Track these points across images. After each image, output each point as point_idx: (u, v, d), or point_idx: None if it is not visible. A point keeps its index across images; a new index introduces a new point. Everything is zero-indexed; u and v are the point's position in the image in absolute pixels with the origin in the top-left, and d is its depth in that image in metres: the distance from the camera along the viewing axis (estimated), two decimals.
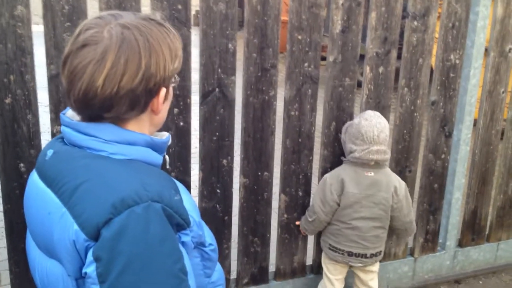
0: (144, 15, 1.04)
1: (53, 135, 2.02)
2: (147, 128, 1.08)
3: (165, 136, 1.12)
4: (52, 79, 1.96)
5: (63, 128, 1.05)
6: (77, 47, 0.97)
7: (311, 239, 2.64)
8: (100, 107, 0.99)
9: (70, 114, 1.07)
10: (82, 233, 0.91)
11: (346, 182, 2.28)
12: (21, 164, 2.00)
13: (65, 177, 0.98)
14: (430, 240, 2.88)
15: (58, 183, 0.98)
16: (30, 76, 1.92)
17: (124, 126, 1.04)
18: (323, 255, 2.50)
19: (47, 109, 2.05)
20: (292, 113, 2.38)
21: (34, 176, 1.09)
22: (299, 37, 2.28)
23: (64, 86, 1.01)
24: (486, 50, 2.69)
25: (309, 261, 2.67)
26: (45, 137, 2.30)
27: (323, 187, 2.33)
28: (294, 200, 2.50)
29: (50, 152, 1.05)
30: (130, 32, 0.98)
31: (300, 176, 2.48)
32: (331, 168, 2.49)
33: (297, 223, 2.52)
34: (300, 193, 2.51)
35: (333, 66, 2.39)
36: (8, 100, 1.92)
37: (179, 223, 0.98)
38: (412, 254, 2.88)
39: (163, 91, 1.04)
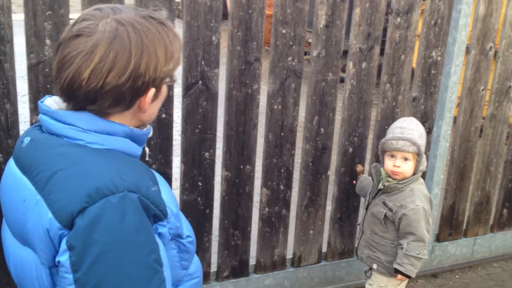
0: (146, 12, 1.02)
1: (32, 125, 1.99)
2: (128, 122, 1.06)
3: (146, 127, 1.11)
4: (32, 68, 1.92)
5: (40, 116, 1.04)
6: (70, 36, 0.97)
7: (291, 232, 2.65)
8: (83, 99, 0.99)
9: (48, 102, 1.06)
10: (56, 222, 0.91)
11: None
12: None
13: (40, 164, 0.97)
14: None
15: (33, 170, 0.98)
16: (9, 65, 1.89)
17: (105, 117, 1.03)
18: (390, 283, 2.30)
19: (24, 98, 2.02)
20: (275, 107, 2.38)
21: (11, 163, 1.08)
22: (283, 31, 2.27)
23: (54, 73, 1.01)
24: (467, 48, 2.72)
25: (289, 254, 2.68)
26: (22, 128, 2.26)
27: (425, 216, 2.17)
28: (276, 194, 2.51)
29: (27, 140, 1.04)
30: (124, 28, 0.97)
31: (282, 170, 2.49)
32: (313, 163, 2.50)
33: (399, 277, 2.20)
34: (282, 187, 2.51)
35: (316, 61, 2.39)
36: None
37: (156, 214, 0.97)
38: None
39: (151, 91, 1.03)
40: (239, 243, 2.51)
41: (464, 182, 2.99)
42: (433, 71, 2.66)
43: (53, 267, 0.95)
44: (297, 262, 2.68)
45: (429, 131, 2.76)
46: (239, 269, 2.55)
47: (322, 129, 2.49)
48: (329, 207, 2.67)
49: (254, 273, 2.61)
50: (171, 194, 1.08)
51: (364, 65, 2.48)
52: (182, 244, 1.10)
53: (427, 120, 2.74)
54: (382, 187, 2.25)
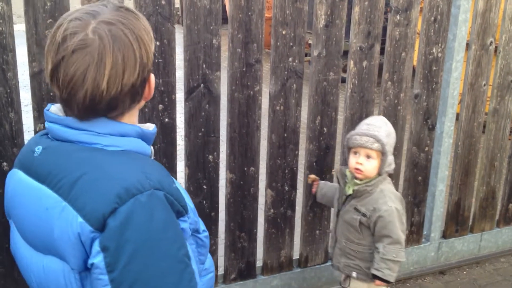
0: (113, 4, 1.02)
1: (36, 133, 2.00)
2: (135, 116, 1.09)
3: (152, 127, 1.13)
4: (35, 77, 1.93)
5: (48, 124, 1.04)
6: (66, 55, 0.95)
7: (297, 233, 2.65)
8: (106, 109, 1.00)
9: (54, 110, 1.05)
10: (88, 225, 0.91)
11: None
12: (4, 163, 1.97)
13: (61, 171, 0.97)
14: (415, 232, 2.91)
15: (53, 178, 0.97)
16: (12, 74, 1.90)
17: (120, 119, 1.04)
18: None
19: (26, 108, 2.03)
20: (277, 108, 2.38)
21: (18, 175, 1.07)
22: (284, 32, 2.28)
23: (58, 95, 0.99)
24: (467, 44, 2.72)
25: (295, 255, 2.68)
26: (26, 137, 2.27)
27: (399, 217, 2.12)
28: (281, 195, 2.51)
29: (38, 149, 1.04)
30: (116, 27, 0.97)
31: (286, 171, 2.49)
32: (317, 163, 2.51)
33: (378, 283, 2.13)
34: (286, 188, 2.51)
35: (317, 61, 2.39)
36: None
37: (179, 210, 0.99)
38: None
39: (152, 76, 1.06)
40: (245, 245, 2.51)
41: (469, 177, 2.98)
42: (434, 68, 2.66)
43: (84, 271, 0.95)
44: (304, 262, 2.68)
45: (432, 128, 2.76)
46: (246, 271, 2.55)
47: (325, 129, 2.50)
48: None
49: (261, 275, 2.61)
50: (184, 191, 1.10)
51: (365, 63, 2.48)
52: (199, 239, 1.12)
53: (429, 116, 2.74)
54: (351, 193, 2.18)
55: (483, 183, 3.06)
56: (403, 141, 2.72)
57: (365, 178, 2.14)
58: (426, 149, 2.79)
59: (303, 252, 2.67)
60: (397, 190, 2.77)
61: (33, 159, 1.04)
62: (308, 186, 2.55)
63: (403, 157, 2.76)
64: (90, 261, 0.92)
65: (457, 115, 2.83)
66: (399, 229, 2.11)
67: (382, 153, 2.11)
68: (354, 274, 2.23)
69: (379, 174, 2.15)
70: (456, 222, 3.04)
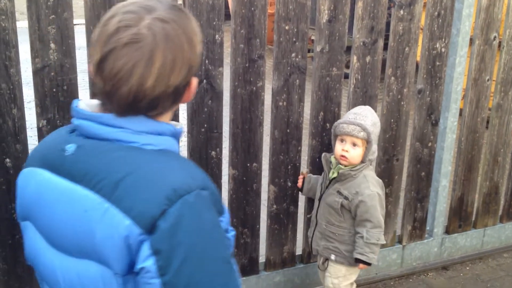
0: (167, 2, 0.99)
1: (39, 129, 2.00)
2: (168, 118, 1.06)
3: (180, 126, 1.10)
4: (37, 73, 1.93)
5: (80, 121, 0.99)
6: (117, 47, 0.92)
7: (300, 229, 2.65)
8: (146, 107, 0.97)
9: (83, 106, 1.01)
10: (137, 227, 0.88)
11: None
12: (7, 160, 1.97)
13: (100, 171, 0.93)
14: (418, 227, 2.91)
15: (92, 178, 0.93)
16: (15, 70, 1.90)
17: (157, 118, 1.02)
18: (348, 273, 2.31)
19: (29, 105, 2.02)
20: (280, 103, 2.38)
21: (44, 175, 1.01)
22: (286, 27, 2.27)
23: (100, 87, 0.96)
24: (471, 38, 2.71)
25: (298, 251, 2.68)
26: (29, 133, 2.27)
27: (380, 202, 2.21)
28: (283, 191, 2.51)
29: (71, 147, 0.98)
30: (170, 26, 0.95)
31: (289, 167, 2.49)
32: (320, 159, 2.50)
33: (361, 266, 2.22)
34: (289, 184, 2.51)
35: (320, 56, 2.39)
36: None
37: (219, 210, 0.98)
38: (400, 241, 2.91)
39: (194, 79, 1.03)
40: (248, 241, 2.51)
41: (472, 173, 2.98)
42: (437, 63, 2.65)
43: (127, 275, 0.92)
44: (306, 258, 2.68)
45: (435, 123, 2.76)
46: (249, 267, 2.55)
47: (328, 125, 2.49)
48: None
49: (264, 271, 2.61)
50: None
51: (368, 59, 2.47)
52: (227, 238, 1.11)
53: (433, 112, 2.73)
54: (335, 176, 2.25)
55: (486, 178, 3.05)
56: (406, 137, 2.72)
57: (350, 165, 2.23)
58: (430, 144, 2.78)
59: (306, 248, 2.67)
60: (400, 186, 2.77)
61: (64, 158, 0.99)
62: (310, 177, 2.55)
63: (406, 153, 2.75)
64: (139, 266, 0.89)
65: (461, 110, 2.82)
66: (380, 213, 2.20)
67: (367, 142, 2.20)
68: (332, 256, 2.29)
69: (362, 161, 2.23)
70: (459, 218, 3.04)
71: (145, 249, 0.88)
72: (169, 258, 0.87)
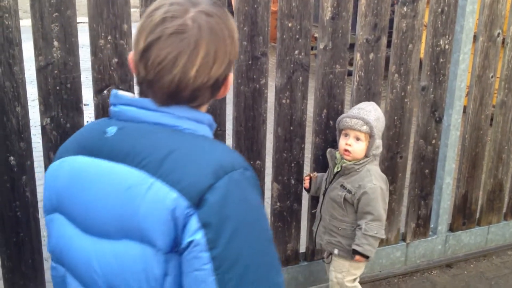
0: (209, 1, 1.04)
1: (42, 127, 2.00)
2: (205, 111, 1.08)
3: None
4: (41, 70, 1.93)
5: (121, 107, 1.02)
6: (162, 36, 0.95)
7: (303, 227, 2.65)
8: (187, 98, 0.99)
9: (122, 93, 1.04)
10: (184, 199, 0.89)
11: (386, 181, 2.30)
12: (11, 158, 1.98)
13: (145, 149, 0.95)
14: (422, 225, 2.90)
15: (136, 156, 0.94)
16: (19, 68, 1.90)
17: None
18: (352, 267, 2.30)
19: (32, 103, 2.03)
20: (284, 101, 2.37)
21: (79, 160, 1.02)
22: (289, 24, 2.27)
23: (142, 76, 0.99)
24: (475, 35, 2.70)
25: (302, 248, 2.68)
26: (32, 131, 2.27)
27: (382, 196, 2.21)
28: (287, 188, 2.51)
29: (112, 129, 1.00)
30: (214, 20, 0.98)
31: (292, 164, 2.48)
32: (323, 156, 2.50)
33: (357, 258, 2.21)
34: (293, 181, 2.51)
35: (323, 53, 2.38)
36: None
37: (259, 192, 0.99)
38: (404, 239, 2.91)
39: (231, 74, 1.06)
40: None
41: (476, 170, 2.97)
42: (441, 60, 2.64)
43: (170, 252, 0.91)
44: (310, 256, 2.68)
45: (439, 120, 2.75)
46: None
47: (331, 122, 2.49)
48: None
49: None
50: None
51: (371, 56, 2.47)
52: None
53: (437, 109, 2.72)
54: (339, 169, 2.27)
55: (490, 175, 3.04)
56: (410, 134, 2.71)
57: (353, 160, 2.24)
58: (433, 141, 2.77)
59: (310, 246, 2.67)
60: (404, 183, 2.77)
61: (104, 140, 1.00)
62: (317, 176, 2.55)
63: (410, 150, 2.75)
64: (187, 239, 0.88)
65: (464, 107, 2.81)
66: (382, 207, 2.20)
67: (370, 136, 2.21)
68: (335, 251, 2.30)
69: (366, 156, 2.24)
70: (463, 215, 3.03)
71: (193, 223, 0.88)
72: (218, 231, 0.88)
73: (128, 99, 1.02)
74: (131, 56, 1.03)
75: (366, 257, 2.21)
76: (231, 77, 1.06)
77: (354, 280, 2.36)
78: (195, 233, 0.88)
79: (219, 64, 0.99)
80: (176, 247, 0.91)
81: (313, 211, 2.58)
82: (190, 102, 1.01)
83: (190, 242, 0.88)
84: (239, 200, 0.91)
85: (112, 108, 1.04)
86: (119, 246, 0.94)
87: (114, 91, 1.04)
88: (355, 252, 2.20)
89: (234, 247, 0.88)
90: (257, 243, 0.91)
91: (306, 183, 2.48)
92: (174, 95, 0.98)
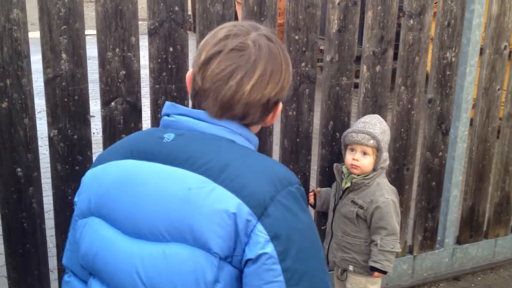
0: (268, 30, 1.10)
1: (50, 139, 2.01)
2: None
3: None
4: (49, 82, 1.94)
5: (177, 117, 1.05)
6: (224, 50, 1.01)
7: None
8: (238, 113, 1.03)
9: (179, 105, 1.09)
10: (247, 207, 0.91)
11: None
12: (18, 169, 1.98)
13: (205, 155, 0.97)
14: (429, 237, 2.88)
15: (196, 161, 0.97)
16: (27, 80, 1.91)
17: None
18: (369, 283, 2.27)
19: (39, 115, 2.03)
20: (290, 113, 2.37)
21: (131, 163, 1.02)
22: (296, 37, 2.28)
23: (199, 85, 1.03)
24: (481, 48, 2.70)
25: None
26: (39, 143, 2.28)
27: (395, 209, 2.19)
28: None
29: (170, 136, 1.03)
30: (274, 45, 1.05)
31: (299, 176, 2.48)
32: (329, 168, 2.49)
33: (376, 274, 2.19)
34: None
35: (330, 66, 2.39)
36: (4, 104, 1.90)
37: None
38: (411, 252, 2.89)
39: (280, 105, 1.10)
40: None
41: (483, 183, 2.95)
42: (448, 72, 2.64)
43: (225, 259, 0.91)
44: None
45: (446, 133, 2.74)
46: None
47: (337, 134, 2.49)
48: None
49: None
50: None
51: (378, 68, 2.47)
52: None
53: (443, 121, 2.71)
54: (348, 185, 2.24)
55: (497, 188, 3.02)
56: (417, 146, 2.70)
57: (361, 174, 2.22)
58: (440, 154, 2.76)
59: None
60: (410, 195, 2.75)
61: (162, 145, 1.01)
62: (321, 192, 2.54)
63: (417, 162, 2.74)
64: (258, 251, 0.89)
65: (471, 120, 2.80)
66: (395, 221, 2.18)
67: (377, 150, 2.19)
68: (351, 267, 2.26)
69: (374, 170, 2.22)
70: (470, 228, 3.01)
71: (261, 235, 0.90)
72: (287, 244, 0.91)
73: (185, 109, 1.05)
74: (189, 73, 1.08)
75: (385, 272, 2.18)
76: (280, 106, 1.10)
77: None
78: (266, 246, 0.90)
79: (273, 85, 1.03)
80: (230, 258, 0.92)
81: (322, 227, 2.56)
82: (241, 119, 1.04)
83: (262, 255, 0.90)
84: (299, 214, 0.94)
85: (165, 118, 1.07)
86: (168, 248, 0.93)
87: (169, 102, 1.08)
88: (373, 269, 2.17)
89: (301, 259, 0.91)
90: (318, 254, 0.96)
91: (311, 199, 2.46)
92: (227, 107, 1.02)
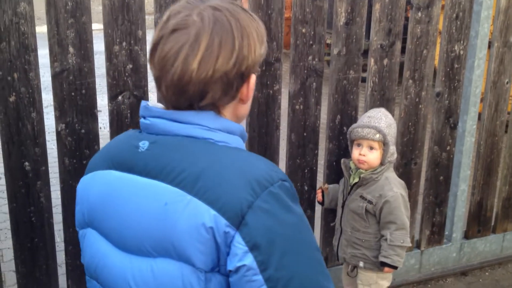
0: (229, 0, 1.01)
1: (57, 133, 2.01)
2: (235, 118, 1.04)
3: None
4: (56, 77, 1.94)
5: (151, 119, 0.99)
6: (167, 32, 0.94)
7: (316, 234, 2.63)
8: (194, 93, 0.95)
9: (153, 105, 1.02)
10: (223, 218, 0.86)
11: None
12: (26, 163, 1.98)
13: (178, 165, 0.92)
14: (436, 232, 2.87)
15: (170, 172, 0.91)
16: (34, 74, 1.91)
17: (219, 115, 1.00)
18: (380, 279, 2.26)
19: (47, 110, 2.03)
20: (297, 107, 2.36)
21: (112, 174, 0.99)
22: (303, 30, 2.26)
23: (153, 75, 0.98)
24: (489, 41, 2.68)
25: None
26: (47, 138, 2.28)
27: (404, 203, 2.17)
28: (300, 195, 2.49)
29: (144, 144, 0.98)
30: (221, 13, 0.95)
31: (306, 170, 2.47)
32: (337, 162, 2.48)
33: (387, 270, 2.17)
34: (306, 188, 2.50)
35: (337, 59, 2.37)
36: (12, 98, 1.90)
37: (298, 201, 0.97)
38: (418, 246, 2.88)
39: (253, 77, 1.00)
40: None
41: (491, 177, 2.93)
42: (456, 66, 2.62)
43: (209, 272, 0.89)
44: (324, 260, 2.66)
45: (454, 127, 2.72)
46: None
47: (345, 128, 2.47)
48: None
49: None
50: None
51: (385, 61, 2.45)
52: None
53: (451, 115, 2.70)
54: (356, 181, 2.22)
55: (505, 182, 3.00)
56: (424, 140, 2.69)
57: (369, 169, 2.21)
58: (448, 148, 2.75)
59: (323, 253, 2.65)
60: (418, 190, 2.74)
61: (137, 155, 0.97)
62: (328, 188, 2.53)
63: (425, 157, 2.72)
64: (237, 263, 0.86)
65: (479, 114, 2.79)
66: (404, 215, 2.16)
67: (384, 144, 2.18)
68: (361, 264, 2.25)
69: (381, 164, 2.21)
70: (478, 223, 2.99)
71: (239, 246, 0.86)
72: (268, 252, 0.85)
73: (158, 111, 0.98)
74: None
75: (395, 267, 2.17)
76: (253, 78, 1.00)
77: None
78: (244, 257, 0.86)
79: (225, 57, 0.93)
80: (217, 268, 0.88)
81: (331, 224, 2.55)
82: (201, 100, 0.96)
83: (241, 267, 0.86)
84: (282, 216, 0.88)
85: (142, 120, 1.01)
86: (157, 264, 0.92)
87: (144, 103, 1.02)
88: (384, 264, 2.16)
89: (285, 266, 0.86)
90: (306, 256, 0.89)
91: (319, 196, 2.45)
92: (179, 90, 0.94)
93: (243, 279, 0.86)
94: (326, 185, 2.45)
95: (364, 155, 2.18)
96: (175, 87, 0.94)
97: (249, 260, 0.85)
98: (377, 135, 2.15)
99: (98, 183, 1.01)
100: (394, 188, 2.17)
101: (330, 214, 2.58)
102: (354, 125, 2.25)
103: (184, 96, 0.95)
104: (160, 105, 1.03)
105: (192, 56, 0.92)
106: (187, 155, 0.93)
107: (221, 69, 0.93)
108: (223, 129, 0.98)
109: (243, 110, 1.04)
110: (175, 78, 0.93)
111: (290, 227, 0.88)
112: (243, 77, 0.98)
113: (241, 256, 0.85)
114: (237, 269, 0.86)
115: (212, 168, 0.90)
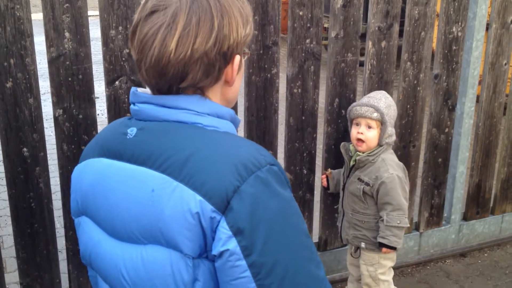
0: None
1: (55, 119, 2.00)
2: (221, 101, 1.02)
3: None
4: (53, 62, 1.93)
5: (140, 105, 0.98)
6: (145, 14, 0.93)
7: (316, 217, 2.64)
8: (174, 75, 0.93)
9: (142, 91, 1.00)
10: (209, 204, 0.85)
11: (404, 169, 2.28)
12: (25, 149, 1.99)
13: (165, 151, 0.91)
14: (435, 214, 2.88)
15: (157, 158, 0.91)
16: (30, 59, 1.90)
17: (204, 96, 0.98)
18: (382, 259, 2.28)
19: (44, 97, 2.02)
20: (295, 90, 2.36)
21: (103, 162, 0.99)
22: (300, 13, 2.25)
23: (134, 58, 0.96)
24: (487, 22, 2.67)
25: (315, 238, 2.67)
26: (44, 124, 2.27)
27: (400, 184, 2.18)
28: (299, 178, 2.50)
29: (132, 131, 0.97)
30: None
31: (304, 154, 2.47)
32: (335, 145, 2.48)
33: (384, 250, 2.20)
34: (305, 171, 2.50)
35: (335, 42, 2.36)
36: (9, 84, 1.90)
37: (288, 185, 0.95)
38: (417, 229, 2.89)
39: (237, 58, 0.98)
40: None
41: (490, 159, 2.94)
42: (454, 47, 2.61)
43: (197, 258, 0.88)
44: (323, 246, 2.68)
45: (452, 109, 2.72)
46: None
47: (343, 111, 2.47)
48: None
49: None
50: None
51: (383, 44, 2.44)
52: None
53: (450, 97, 2.69)
54: (354, 163, 2.24)
55: (504, 164, 3.01)
56: (423, 123, 2.69)
57: (367, 150, 2.22)
58: (446, 130, 2.75)
59: (322, 236, 2.66)
60: (417, 172, 2.75)
61: (125, 142, 0.97)
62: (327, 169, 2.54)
63: (423, 139, 2.72)
64: (220, 248, 0.85)
65: (477, 96, 2.78)
66: (401, 196, 2.17)
67: (382, 123, 2.18)
68: (363, 244, 2.28)
69: (379, 145, 2.21)
70: (477, 204, 3.00)
71: (224, 230, 0.85)
72: (251, 238, 0.84)
73: (146, 96, 0.97)
74: None
75: (393, 248, 2.19)
76: (237, 59, 0.97)
77: (389, 270, 2.33)
78: (227, 242, 0.85)
79: (204, 37, 0.91)
80: (205, 254, 0.88)
81: (335, 206, 2.57)
82: (182, 81, 0.94)
83: (224, 252, 0.85)
84: (268, 200, 0.86)
85: (132, 107, 1.00)
86: (146, 251, 0.92)
87: (133, 88, 1.00)
88: (381, 244, 2.19)
89: (270, 251, 0.85)
90: (293, 241, 0.88)
91: (324, 182, 2.47)
92: (158, 72, 0.93)
93: (227, 264, 0.85)
94: (330, 170, 2.46)
95: (362, 134, 2.19)
96: (154, 69, 0.93)
97: (233, 245, 0.84)
98: (375, 114, 2.17)
99: (90, 171, 1.01)
100: (390, 169, 2.18)
101: (329, 197, 2.59)
102: (353, 104, 2.27)
103: (164, 78, 0.94)
104: (149, 90, 1.01)
105: (169, 37, 0.90)
106: (174, 141, 0.92)
107: (200, 49, 0.91)
108: (211, 113, 0.97)
109: (231, 93, 1.03)
110: (153, 60, 0.92)
111: (275, 212, 0.87)
112: (226, 58, 0.96)
113: (225, 240, 0.85)
114: (221, 254, 0.85)
115: (199, 153, 0.89)
